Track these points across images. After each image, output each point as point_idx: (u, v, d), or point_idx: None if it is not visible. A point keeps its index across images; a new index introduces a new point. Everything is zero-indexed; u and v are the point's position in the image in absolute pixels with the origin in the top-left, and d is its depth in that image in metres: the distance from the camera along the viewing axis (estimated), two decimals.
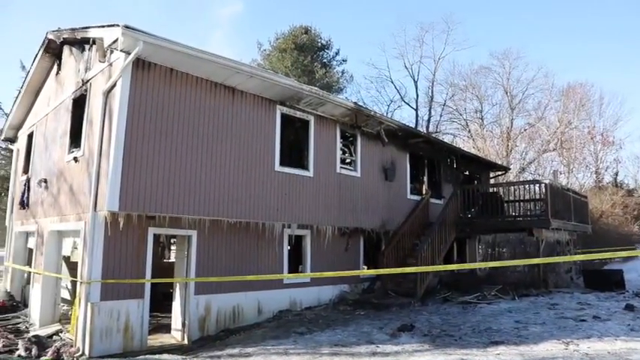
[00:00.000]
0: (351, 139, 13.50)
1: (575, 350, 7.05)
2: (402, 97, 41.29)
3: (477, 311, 10.78)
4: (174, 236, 12.38)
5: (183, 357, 7.57)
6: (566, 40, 65.80)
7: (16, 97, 14.33)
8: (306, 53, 33.45)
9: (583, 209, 17.84)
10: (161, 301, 10.80)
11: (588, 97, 36.93)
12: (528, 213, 16.10)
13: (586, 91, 37.03)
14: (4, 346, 8.32)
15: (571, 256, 12.87)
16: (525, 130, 35.98)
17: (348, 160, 13.35)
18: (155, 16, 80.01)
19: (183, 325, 9.19)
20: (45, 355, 7.80)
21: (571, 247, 16.71)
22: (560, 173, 33.23)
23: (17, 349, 7.97)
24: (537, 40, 65.56)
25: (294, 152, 12.20)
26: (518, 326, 8.93)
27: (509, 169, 26.49)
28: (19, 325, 10.59)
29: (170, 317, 9.76)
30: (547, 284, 14.34)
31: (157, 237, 9.84)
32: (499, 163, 25.77)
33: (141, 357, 7.65)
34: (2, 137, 16.76)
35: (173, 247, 15.77)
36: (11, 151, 17.92)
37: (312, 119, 11.91)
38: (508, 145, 34.01)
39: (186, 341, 8.98)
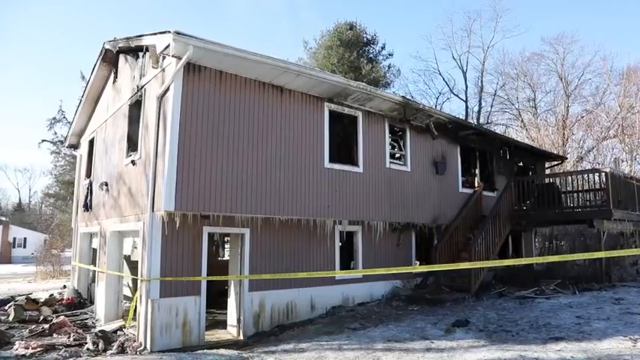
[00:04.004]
0: (400, 133, 13.38)
1: None
2: (450, 89, 40.54)
3: (535, 306, 10.46)
4: (227, 235, 12.69)
5: (240, 352, 7.75)
6: (625, 20, 62.38)
7: (78, 106, 15.08)
8: (352, 49, 33.26)
9: None
10: (216, 298, 11.11)
11: None
12: (588, 204, 15.42)
13: None
14: (74, 339, 8.83)
15: (638, 249, 12.26)
16: (582, 117, 34.39)
17: (397, 155, 13.23)
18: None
19: (239, 321, 9.42)
20: (111, 349, 8.21)
21: (636, 239, 15.87)
22: (622, 161, 31.56)
23: (86, 343, 8.43)
24: (593, 22, 62.61)
25: (344, 148, 12.22)
26: (579, 322, 8.59)
27: (566, 158, 25.42)
28: (86, 321, 11.19)
29: (226, 314, 10.04)
30: (610, 278, 13.70)
31: (211, 236, 10.12)
32: (555, 152, 24.81)
33: (199, 351, 7.91)
34: (66, 144, 17.77)
35: (227, 246, 16.17)
36: (75, 157, 18.89)
37: (360, 115, 11.89)
38: (564, 134, 32.64)
39: (241, 337, 9.21)
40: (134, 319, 9.22)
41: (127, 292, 12.36)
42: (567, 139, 32.83)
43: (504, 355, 6.56)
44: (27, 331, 9.69)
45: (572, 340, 7.26)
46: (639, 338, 7.21)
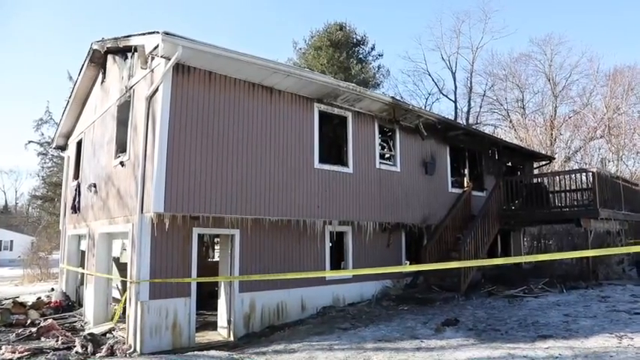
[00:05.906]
0: (389, 134, 13.42)
1: (629, 345, 6.79)
2: (440, 90, 40.87)
3: (524, 305, 10.55)
4: (217, 236, 12.64)
5: (230, 353, 7.72)
6: (612, 22, 63.15)
7: (65, 107, 14.94)
8: (342, 50, 33.32)
9: (635, 198, 17.13)
10: (207, 300, 11.07)
11: (638, 80, 35.27)
12: (575, 203, 15.58)
13: (635, 74, 35.31)
14: (62, 343, 8.74)
15: (624, 247, 12.36)
16: (570, 117, 34.79)
17: (387, 156, 13.27)
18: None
19: (229, 322, 9.39)
20: (100, 352, 8.14)
21: (622, 238, 16.07)
22: (609, 161, 32.02)
23: (74, 346, 8.35)
24: (580, 23, 63.32)
25: (333, 149, 12.24)
26: (567, 320, 8.69)
27: (554, 158, 25.68)
28: (75, 324, 11.09)
29: (216, 315, 10.00)
30: (597, 276, 13.85)
31: (201, 237, 10.08)
32: (543, 152, 25.04)
33: (189, 353, 7.86)
34: (54, 145, 17.58)
35: (217, 247, 16.11)
36: (62, 158, 18.71)
37: (349, 115, 11.91)
38: (552, 134, 32.97)
39: (232, 338, 9.18)
40: (122, 320, 9.15)
41: (116, 294, 12.27)
42: (555, 140, 33.16)
43: (493, 354, 6.61)
44: (14, 334, 9.60)
45: (560, 338, 7.33)
46: (624, 335, 7.31)
